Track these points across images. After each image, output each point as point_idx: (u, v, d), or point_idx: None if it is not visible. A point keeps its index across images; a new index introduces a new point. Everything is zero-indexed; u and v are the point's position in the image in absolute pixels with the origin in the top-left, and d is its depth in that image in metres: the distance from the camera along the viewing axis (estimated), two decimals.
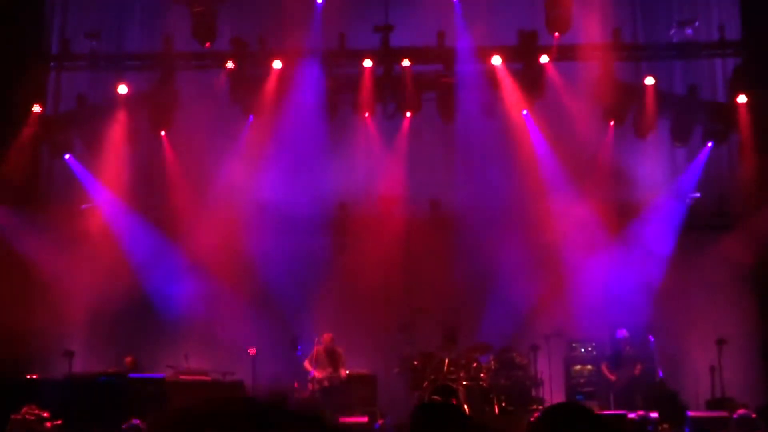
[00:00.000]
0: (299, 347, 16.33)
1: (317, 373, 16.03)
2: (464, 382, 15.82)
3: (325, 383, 15.99)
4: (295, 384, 16.26)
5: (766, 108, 16.55)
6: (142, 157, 17.98)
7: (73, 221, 17.30)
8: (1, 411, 13.25)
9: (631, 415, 14.19)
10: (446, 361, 16.08)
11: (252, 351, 16.07)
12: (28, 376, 14.63)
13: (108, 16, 18.29)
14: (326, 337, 16.32)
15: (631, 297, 17.03)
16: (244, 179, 17.71)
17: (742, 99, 16.75)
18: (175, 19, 17.21)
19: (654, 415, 14.32)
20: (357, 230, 17.31)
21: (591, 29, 17.29)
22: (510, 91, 17.37)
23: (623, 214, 17.44)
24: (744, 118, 16.81)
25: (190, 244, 17.44)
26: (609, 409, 15.71)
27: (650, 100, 16.98)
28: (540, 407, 15.85)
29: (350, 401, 15.90)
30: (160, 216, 17.82)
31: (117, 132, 17.39)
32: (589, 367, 16.86)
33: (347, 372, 16.21)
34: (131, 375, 14.72)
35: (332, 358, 16.24)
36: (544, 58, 17.03)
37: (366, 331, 17.13)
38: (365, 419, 15.27)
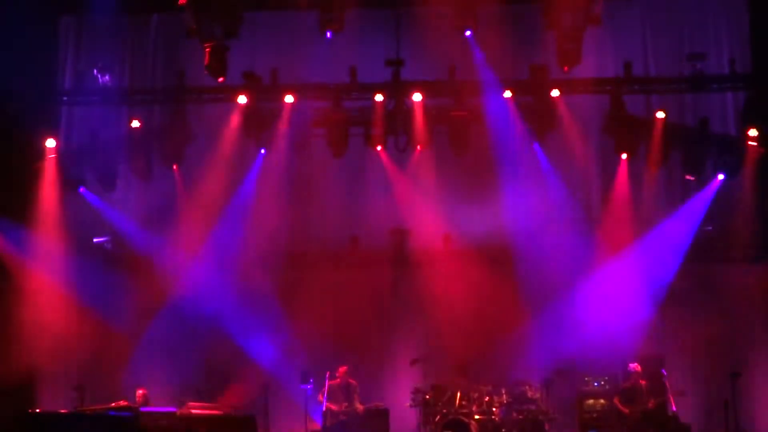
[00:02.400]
0: (311, 380, 16.29)
1: (333, 407, 15.97)
2: (476, 416, 15.77)
3: (342, 417, 15.94)
4: (305, 417, 16.23)
5: None
6: (153, 191, 18.05)
7: (88, 253, 17.45)
8: None
9: None
10: (458, 394, 16.04)
11: None
12: (37, 411, 14.58)
13: (121, 51, 18.43)
14: (341, 370, 16.30)
15: (644, 331, 16.97)
16: (255, 213, 17.78)
17: (753, 132, 16.77)
18: (187, 54, 17.35)
19: None
20: (368, 264, 17.31)
21: (601, 63, 17.37)
22: (520, 124, 17.40)
23: (635, 246, 17.41)
24: (754, 151, 16.84)
25: (201, 277, 17.49)
26: None
27: (661, 133, 16.99)
28: None
29: None
30: (171, 250, 17.85)
31: (130, 166, 17.50)
32: (602, 401, 16.75)
33: (362, 405, 16.16)
34: (143, 408, 14.66)
35: (348, 392, 16.22)
36: (554, 92, 17.07)
37: (378, 364, 17.10)
38: None
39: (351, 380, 16.32)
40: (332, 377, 16.21)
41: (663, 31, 18.20)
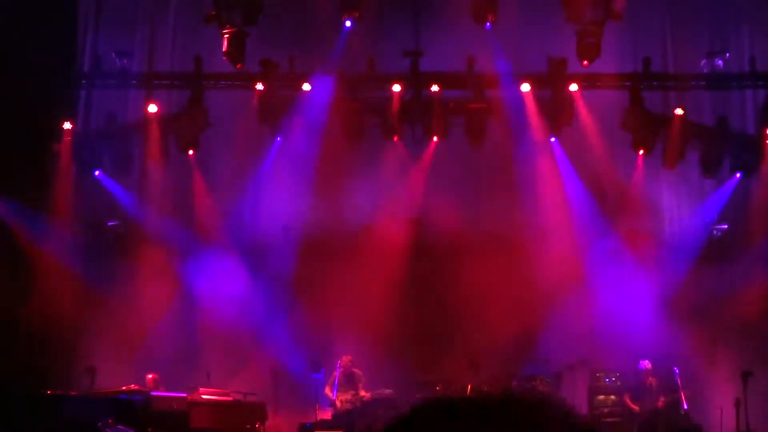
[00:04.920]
0: (322, 369, 16.30)
1: (339, 396, 15.98)
2: None
3: (348, 406, 15.93)
4: (316, 406, 16.22)
5: None
6: (170, 177, 18.05)
7: (102, 236, 17.50)
8: (19, 428, 13.25)
9: None
10: (468, 388, 15.99)
11: None
12: (49, 392, 14.60)
13: (139, 35, 18.42)
14: (345, 359, 16.27)
15: (656, 327, 16.91)
16: (270, 201, 17.79)
17: None
18: (206, 40, 17.33)
19: None
20: (383, 254, 17.29)
21: (621, 58, 17.29)
22: (538, 118, 17.35)
23: (650, 244, 17.34)
24: None
25: (214, 263, 17.49)
26: None
27: (679, 130, 16.92)
28: None
29: (371, 424, 15.81)
30: (185, 236, 17.86)
31: (146, 150, 17.51)
32: (612, 397, 16.70)
33: (368, 393, 16.13)
34: (153, 393, 14.68)
35: (352, 381, 16.18)
36: (573, 86, 17.00)
37: (389, 355, 17.07)
38: None
39: (355, 369, 16.26)
40: (338, 367, 16.21)
41: (683, 27, 18.06)
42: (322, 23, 17.35)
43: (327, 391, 16.08)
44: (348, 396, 16.01)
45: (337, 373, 16.06)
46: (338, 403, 15.93)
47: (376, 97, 17.41)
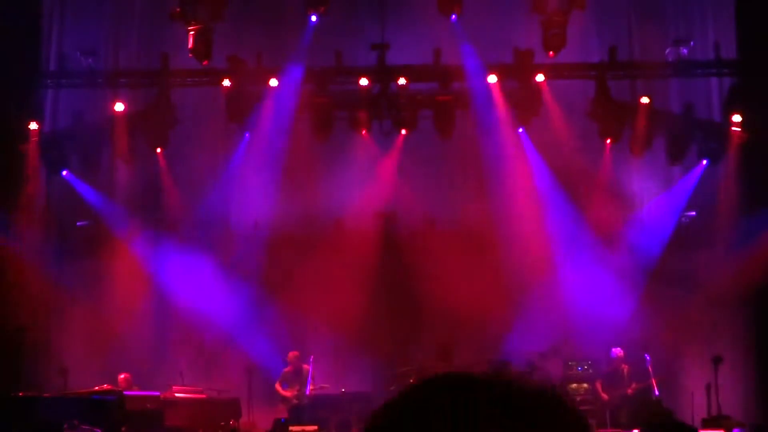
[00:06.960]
0: None
1: (286, 393, 15.96)
2: None
3: (294, 401, 15.90)
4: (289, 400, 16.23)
5: (760, 127, 16.57)
6: (137, 175, 17.97)
7: (71, 237, 17.40)
8: None
9: None
10: None
11: None
12: (21, 394, 14.51)
13: (105, 34, 18.30)
14: (291, 355, 16.23)
15: (627, 315, 17.02)
16: (240, 197, 17.76)
17: (737, 118, 16.79)
18: (172, 37, 17.25)
19: None
20: (352, 247, 17.31)
21: (586, 48, 17.37)
22: (505, 109, 17.41)
23: (619, 232, 17.45)
24: (738, 137, 16.87)
25: (185, 260, 17.45)
26: (606, 427, 15.70)
27: (645, 118, 17.01)
28: None
29: (347, 418, 15.82)
30: (155, 233, 17.80)
31: (114, 149, 17.41)
32: (585, 385, 16.80)
33: (316, 388, 16.03)
34: (126, 392, 14.64)
35: (299, 376, 16.11)
36: (539, 77, 17.05)
37: (362, 348, 17.10)
38: None
39: (304, 365, 16.18)
40: (285, 364, 16.20)
41: (648, 15, 18.15)
42: (289, 18, 17.33)
43: (277, 387, 16.06)
44: (293, 392, 15.95)
45: (285, 370, 16.07)
46: (285, 400, 15.95)
47: (344, 91, 17.41)
